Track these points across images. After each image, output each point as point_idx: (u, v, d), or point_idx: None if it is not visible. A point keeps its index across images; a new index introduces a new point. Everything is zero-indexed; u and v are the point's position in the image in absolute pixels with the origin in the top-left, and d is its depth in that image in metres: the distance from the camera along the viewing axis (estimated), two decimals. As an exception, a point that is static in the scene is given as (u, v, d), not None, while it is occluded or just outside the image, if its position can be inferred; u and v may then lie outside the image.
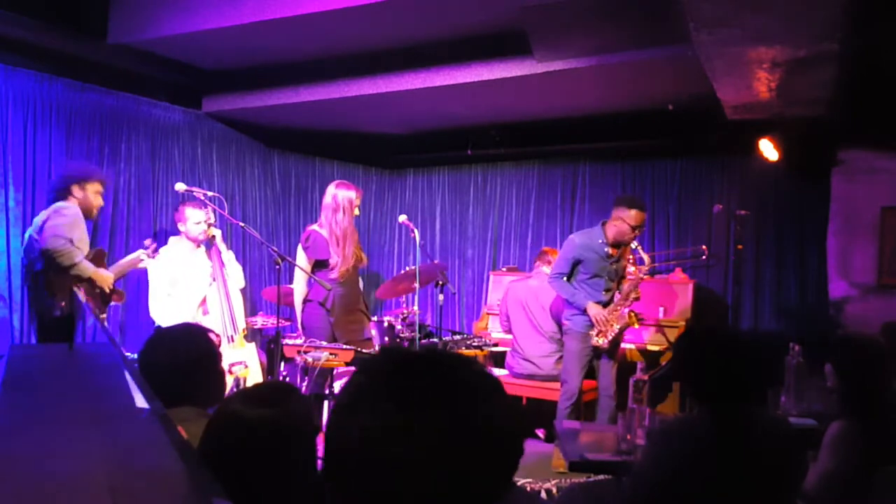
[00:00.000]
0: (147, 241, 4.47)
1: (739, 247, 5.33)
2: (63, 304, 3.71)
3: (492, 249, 7.03)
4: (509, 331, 5.41)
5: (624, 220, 4.40)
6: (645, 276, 4.59)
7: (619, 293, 4.56)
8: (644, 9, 3.85)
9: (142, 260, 4.32)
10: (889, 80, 4.44)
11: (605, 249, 4.49)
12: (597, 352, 4.55)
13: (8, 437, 0.93)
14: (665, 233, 6.21)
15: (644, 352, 5.41)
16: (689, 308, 5.50)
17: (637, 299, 4.51)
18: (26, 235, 3.97)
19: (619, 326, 4.44)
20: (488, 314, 6.30)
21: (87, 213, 3.97)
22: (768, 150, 5.21)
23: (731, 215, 5.46)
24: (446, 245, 7.28)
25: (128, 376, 1.31)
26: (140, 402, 1.16)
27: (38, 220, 3.88)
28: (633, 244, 4.46)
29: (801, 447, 2.11)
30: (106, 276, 3.95)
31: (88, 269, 3.81)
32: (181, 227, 4.59)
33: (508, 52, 4.62)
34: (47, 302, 3.74)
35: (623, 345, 5.32)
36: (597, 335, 4.46)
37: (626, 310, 4.47)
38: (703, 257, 5.96)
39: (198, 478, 0.76)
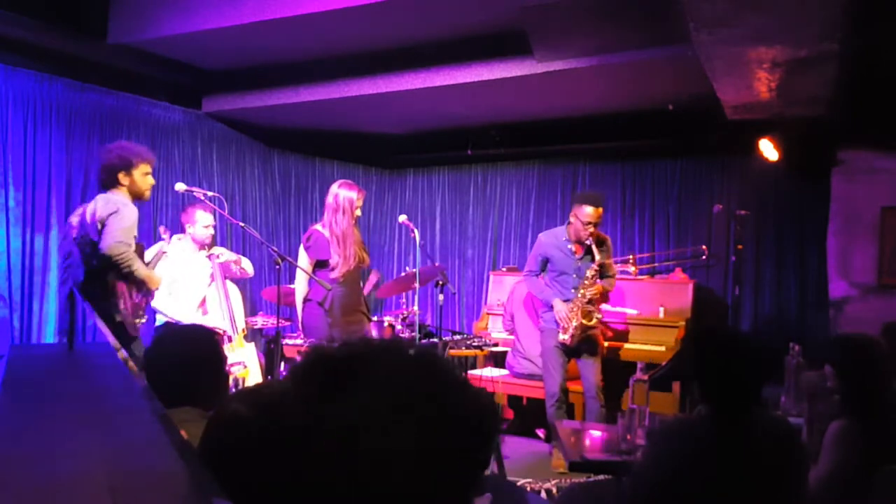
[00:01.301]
0: (161, 229, 4.41)
1: (739, 247, 5.33)
2: (122, 307, 3.65)
3: (492, 249, 7.03)
4: (512, 331, 5.41)
5: (577, 216, 4.44)
6: (594, 278, 4.52)
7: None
8: (644, 9, 3.84)
9: (164, 252, 4.25)
10: (889, 80, 4.44)
11: (569, 247, 4.54)
12: (570, 351, 4.55)
13: (8, 438, 0.93)
14: (665, 233, 6.21)
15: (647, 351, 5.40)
16: (689, 308, 5.50)
17: (594, 296, 4.47)
18: (78, 221, 3.79)
19: (576, 323, 4.44)
20: (488, 314, 6.30)
21: (138, 197, 3.86)
22: (768, 150, 5.21)
23: (731, 215, 5.47)
24: (446, 245, 7.28)
25: (127, 376, 1.31)
26: (140, 402, 1.16)
27: (95, 211, 3.71)
28: (588, 242, 4.43)
29: (801, 447, 2.11)
30: (156, 278, 3.88)
31: (143, 270, 3.73)
32: (189, 228, 4.59)
33: (508, 52, 4.62)
34: (103, 304, 3.69)
35: (632, 345, 5.32)
36: (562, 331, 4.47)
37: (581, 307, 4.46)
38: (703, 257, 5.96)
39: (198, 478, 0.76)
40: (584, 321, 4.43)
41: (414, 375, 0.81)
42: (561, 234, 4.60)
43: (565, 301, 4.50)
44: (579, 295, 4.45)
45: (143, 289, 3.83)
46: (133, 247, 3.76)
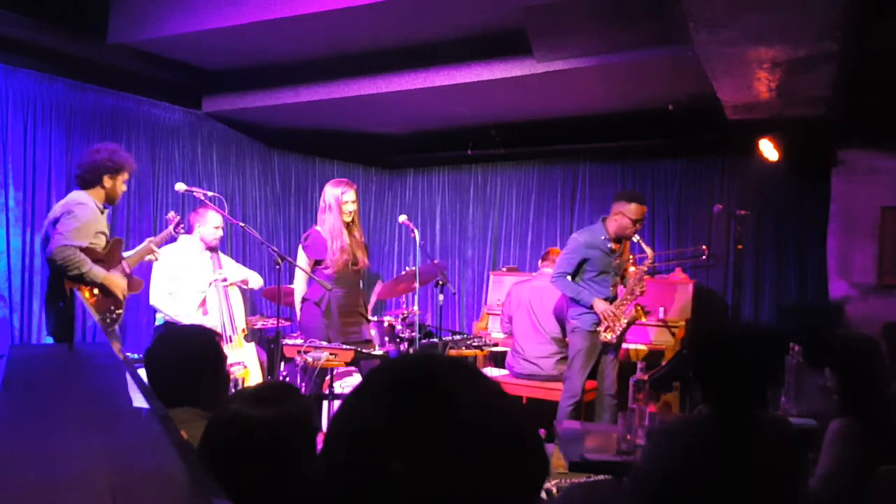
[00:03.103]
0: (170, 214, 4.36)
1: (739, 247, 5.33)
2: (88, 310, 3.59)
3: (492, 249, 7.02)
4: (510, 333, 5.40)
5: (625, 214, 4.41)
6: (648, 272, 4.59)
7: (624, 288, 4.57)
8: (644, 9, 3.85)
9: (152, 250, 4.19)
10: (889, 80, 4.44)
11: (609, 245, 4.49)
12: (603, 349, 4.55)
13: (8, 437, 0.93)
14: (665, 233, 6.21)
15: (650, 350, 5.40)
16: (689, 308, 5.50)
17: (642, 293, 4.52)
18: (44, 225, 3.83)
19: (626, 321, 4.44)
20: (488, 314, 6.30)
21: (110, 202, 3.88)
22: (768, 150, 5.21)
23: (731, 215, 5.47)
24: (446, 245, 7.28)
25: (128, 376, 1.31)
26: (140, 402, 1.16)
27: (53, 212, 3.74)
28: (636, 238, 4.46)
29: (801, 447, 2.11)
30: (119, 282, 3.79)
31: (99, 274, 3.65)
32: (198, 227, 4.59)
33: (508, 52, 4.62)
34: (60, 305, 3.65)
35: (625, 344, 5.33)
36: (605, 331, 4.46)
37: (633, 304, 4.48)
38: (703, 257, 5.96)
39: (198, 478, 0.76)
40: (643, 319, 4.47)
41: (490, 403, 0.79)
42: (599, 232, 4.51)
43: (605, 300, 4.47)
44: (636, 292, 4.46)
45: (107, 292, 3.72)
46: (101, 243, 3.72)
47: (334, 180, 4.48)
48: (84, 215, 3.66)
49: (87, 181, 3.79)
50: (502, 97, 5.26)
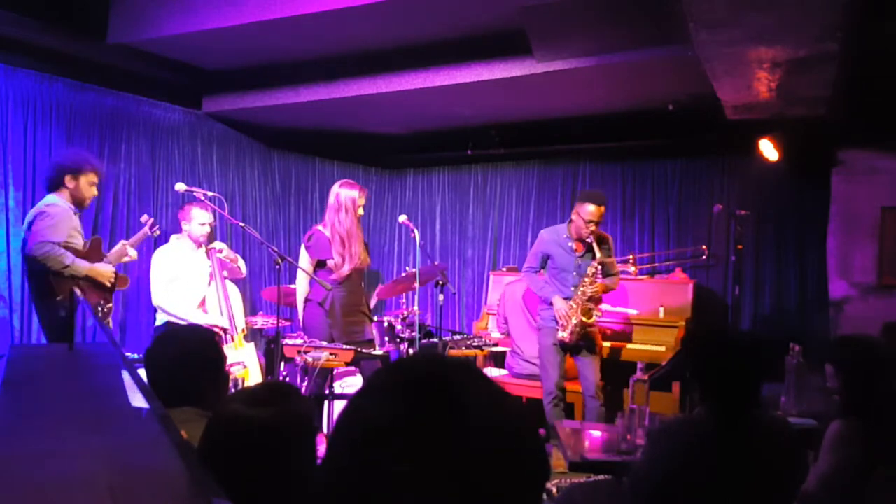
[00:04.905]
0: (143, 218, 4.46)
1: (739, 247, 5.33)
2: (67, 303, 3.67)
3: (492, 249, 7.03)
4: (507, 333, 5.40)
5: (579, 214, 4.43)
6: (595, 276, 4.52)
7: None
8: (644, 9, 3.85)
9: (126, 252, 4.20)
10: (889, 79, 4.44)
11: (570, 245, 4.54)
12: (569, 349, 4.54)
13: (8, 437, 0.93)
14: (665, 233, 6.21)
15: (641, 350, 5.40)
16: (689, 308, 5.50)
17: (596, 294, 4.49)
18: (23, 231, 3.93)
19: (576, 321, 4.43)
20: (488, 314, 6.30)
21: (78, 203, 3.90)
22: (768, 150, 5.21)
23: (731, 215, 5.46)
24: (446, 245, 7.28)
25: (128, 376, 1.31)
26: (140, 402, 1.16)
27: (28, 217, 3.84)
28: (589, 240, 4.43)
29: (801, 447, 2.11)
30: (104, 271, 3.89)
31: (82, 267, 3.75)
32: (185, 225, 4.59)
33: (508, 52, 4.62)
34: (48, 302, 3.72)
35: (632, 345, 5.33)
36: (561, 329, 4.47)
37: (580, 306, 4.46)
38: (703, 257, 5.96)
39: (198, 478, 0.76)
40: (585, 319, 4.43)
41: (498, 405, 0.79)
42: (562, 231, 4.60)
43: (565, 299, 4.50)
44: (580, 293, 4.45)
45: (95, 285, 3.81)
46: (78, 243, 3.80)
47: (347, 182, 4.41)
48: (57, 213, 3.75)
49: (52, 182, 3.87)
50: (502, 97, 5.26)
